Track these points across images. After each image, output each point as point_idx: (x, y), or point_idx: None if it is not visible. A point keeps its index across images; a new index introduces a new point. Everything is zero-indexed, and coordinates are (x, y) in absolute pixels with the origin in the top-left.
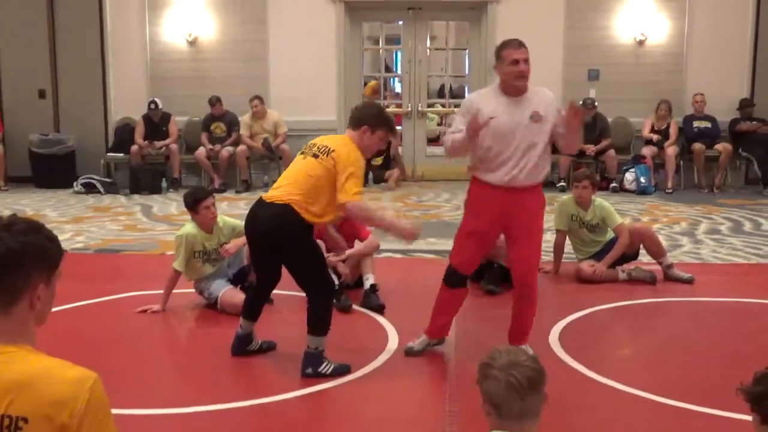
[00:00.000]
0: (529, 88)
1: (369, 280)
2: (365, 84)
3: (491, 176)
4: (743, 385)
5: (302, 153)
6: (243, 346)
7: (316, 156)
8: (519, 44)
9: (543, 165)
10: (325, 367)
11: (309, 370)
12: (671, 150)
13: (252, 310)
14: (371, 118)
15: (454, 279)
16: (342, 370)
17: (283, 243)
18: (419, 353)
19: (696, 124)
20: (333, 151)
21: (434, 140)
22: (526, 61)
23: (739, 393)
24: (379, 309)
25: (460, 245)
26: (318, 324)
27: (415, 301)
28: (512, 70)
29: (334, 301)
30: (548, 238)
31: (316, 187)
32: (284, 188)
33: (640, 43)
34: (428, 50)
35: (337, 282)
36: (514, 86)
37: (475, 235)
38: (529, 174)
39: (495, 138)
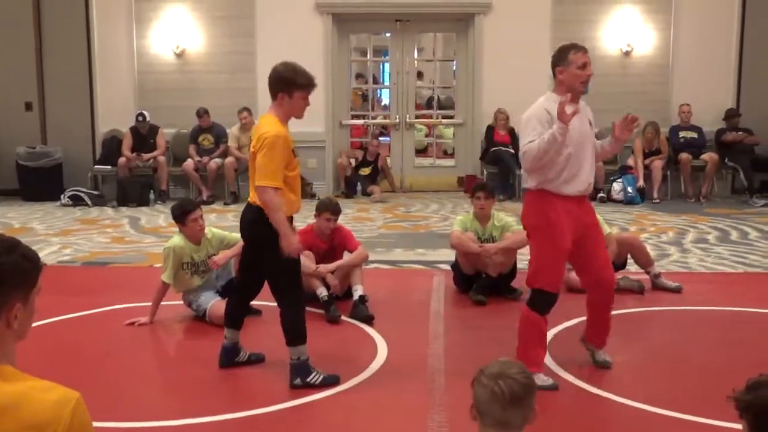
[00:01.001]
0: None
1: (358, 291)
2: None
3: (569, 187)
4: (735, 392)
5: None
6: (230, 358)
7: (253, 150)
8: (585, 49)
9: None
10: (314, 377)
11: (297, 381)
12: (657, 161)
13: (233, 318)
14: (282, 84)
15: (550, 302)
16: (331, 381)
17: (255, 241)
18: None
19: (682, 134)
20: (254, 139)
21: (422, 151)
22: (590, 66)
23: (730, 400)
24: (368, 320)
25: (549, 266)
26: (291, 333)
27: (404, 313)
28: (580, 74)
29: (324, 312)
30: None
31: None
32: (251, 189)
33: (627, 54)
34: (416, 62)
35: (326, 293)
36: (578, 90)
37: (564, 251)
38: (588, 179)
39: (573, 143)
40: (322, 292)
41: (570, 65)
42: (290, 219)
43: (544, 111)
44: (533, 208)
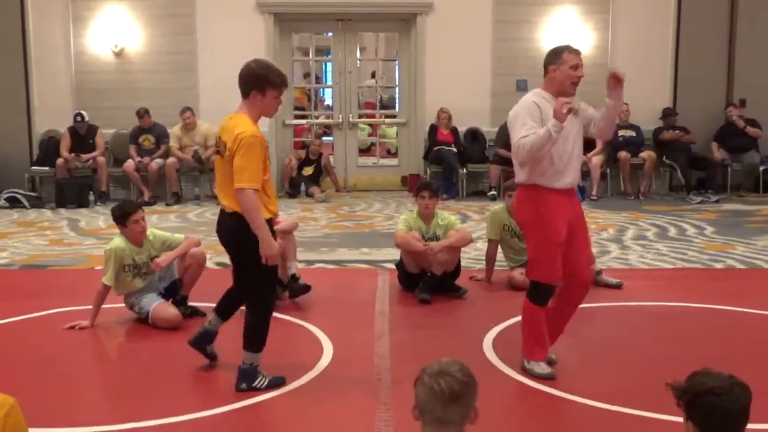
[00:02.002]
0: None
1: (291, 269)
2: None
3: (560, 181)
4: (673, 381)
5: (217, 150)
6: (203, 342)
7: (221, 153)
8: (579, 52)
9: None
10: (259, 381)
11: (243, 386)
12: (596, 159)
13: (222, 306)
14: (255, 81)
15: (548, 294)
16: (276, 383)
17: (238, 248)
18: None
19: (621, 133)
20: (225, 143)
21: (365, 151)
22: (582, 68)
23: (668, 387)
24: (306, 290)
25: (545, 259)
26: (252, 339)
27: (349, 312)
28: (571, 74)
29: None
30: (480, 247)
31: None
32: (219, 195)
33: None
34: (358, 61)
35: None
36: (568, 90)
37: (560, 244)
38: (575, 174)
39: (562, 139)
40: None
41: (563, 64)
42: (269, 222)
43: (534, 105)
44: (527, 203)
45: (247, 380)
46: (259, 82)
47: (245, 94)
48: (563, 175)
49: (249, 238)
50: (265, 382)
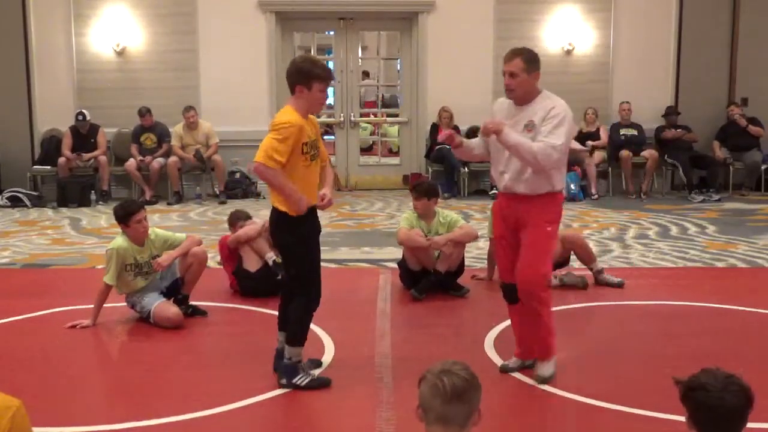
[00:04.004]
0: (541, 97)
1: (271, 257)
2: None
3: (498, 183)
4: (679, 378)
5: None
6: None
7: None
8: (509, 56)
9: (543, 176)
10: (300, 378)
11: (284, 381)
12: (595, 157)
13: (281, 320)
14: (300, 76)
15: (503, 290)
16: (320, 384)
17: (277, 243)
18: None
19: (623, 131)
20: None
21: (367, 150)
22: (512, 74)
23: (675, 384)
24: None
25: (497, 256)
26: (294, 333)
27: (351, 311)
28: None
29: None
30: (482, 245)
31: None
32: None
33: (568, 52)
34: (360, 60)
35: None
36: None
37: (498, 240)
38: (525, 184)
39: (494, 144)
40: (271, 255)
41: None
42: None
43: (493, 108)
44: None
45: (287, 376)
46: (303, 77)
47: (292, 90)
48: (500, 180)
49: (283, 231)
50: (306, 380)
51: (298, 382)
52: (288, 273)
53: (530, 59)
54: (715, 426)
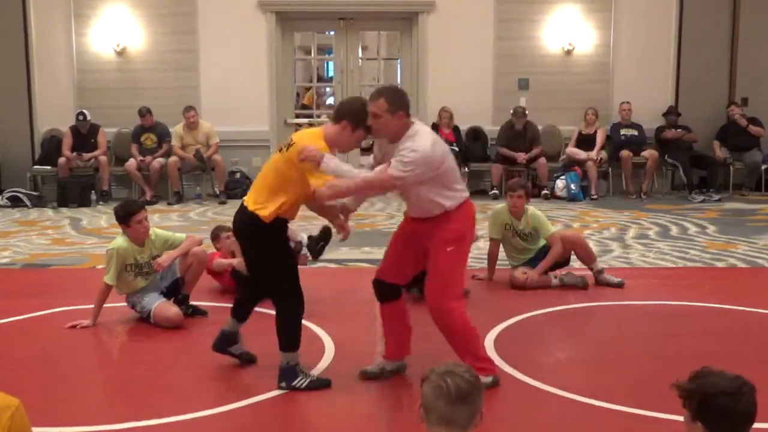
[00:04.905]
0: (406, 137)
1: (303, 239)
2: (298, 95)
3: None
4: (678, 382)
5: (279, 149)
6: (225, 344)
7: (280, 150)
8: (373, 96)
9: (428, 201)
10: (299, 381)
11: (283, 384)
12: (590, 161)
13: (238, 309)
14: (354, 115)
15: (374, 286)
16: (320, 385)
17: (244, 244)
18: None
19: (623, 131)
20: (293, 144)
21: (367, 150)
22: (375, 115)
23: (673, 388)
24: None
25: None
26: (285, 340)
27: (351, 312)
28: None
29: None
30: (482, 246)
31: (281, 181)
32: (251, 189)
33: (568, 52)
34: (360, 60)
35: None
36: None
37: (398, 236)
38: (417, 209)
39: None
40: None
41: None
42: (285, 223)
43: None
44: None
45: (287, 379)
46: (359, 119)
47: (337, 119)
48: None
49: (265, 239)
50: (305, 382)
51: (298, 385)
52: (273, 281)
53: (393, 100)
54: (738, 429)
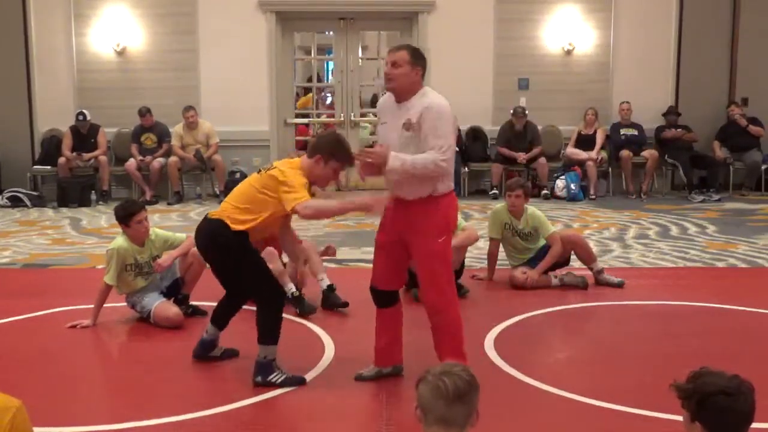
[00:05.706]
0: (418, 95)
1: (324, 281)
2: (297, 95)
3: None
4: (677, 382)
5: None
6: (205, 351)
7: (259, 171)
8: (395, 48)
9: (422, 176)
10: (275, 376)
11: (258, 379)
12: (590, 161)
13: (218, 316)
14: (325, 148)
15: (373, 295)
16: (295, 382)
17: (208, 255)
18: None
19: (623, 131)
20: (274, 167)
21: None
22: (394, 63)
23: (672, 388)
24: (344, 305)
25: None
26: (264, 333)
27: (351, 311)
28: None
29: (298, 309)
30: (482, 246)
31: (255, 197)
32: (224, 202)
33: (568, 52)
34: (360, 60)
35: (295, 290)
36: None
37: (378, 247)
38: (408, 187)
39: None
40: (291, 288)
41: None
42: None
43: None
44: None
45: (262, 374)
46: (330, 151)
47: (311, 154)
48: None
49: (240, 250)
50: (281, 378)
51: (274, 380)
52: (255, 290)
53: (415, 54)
54: (737, 428)
